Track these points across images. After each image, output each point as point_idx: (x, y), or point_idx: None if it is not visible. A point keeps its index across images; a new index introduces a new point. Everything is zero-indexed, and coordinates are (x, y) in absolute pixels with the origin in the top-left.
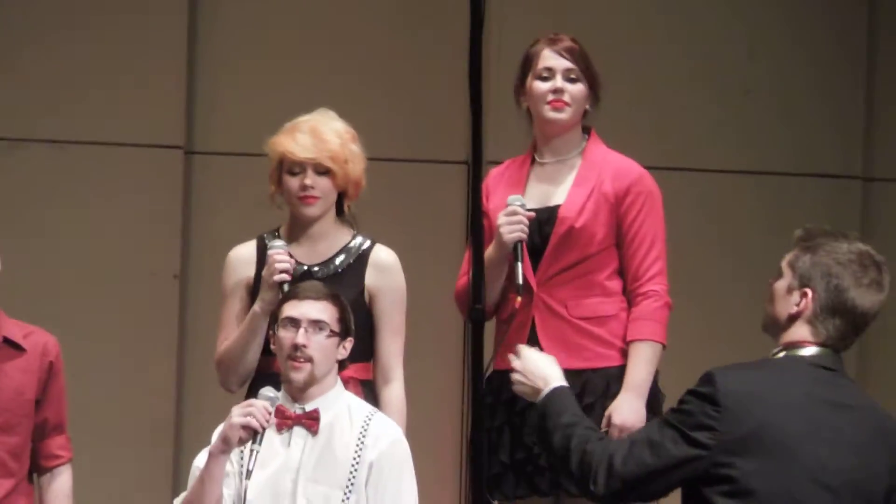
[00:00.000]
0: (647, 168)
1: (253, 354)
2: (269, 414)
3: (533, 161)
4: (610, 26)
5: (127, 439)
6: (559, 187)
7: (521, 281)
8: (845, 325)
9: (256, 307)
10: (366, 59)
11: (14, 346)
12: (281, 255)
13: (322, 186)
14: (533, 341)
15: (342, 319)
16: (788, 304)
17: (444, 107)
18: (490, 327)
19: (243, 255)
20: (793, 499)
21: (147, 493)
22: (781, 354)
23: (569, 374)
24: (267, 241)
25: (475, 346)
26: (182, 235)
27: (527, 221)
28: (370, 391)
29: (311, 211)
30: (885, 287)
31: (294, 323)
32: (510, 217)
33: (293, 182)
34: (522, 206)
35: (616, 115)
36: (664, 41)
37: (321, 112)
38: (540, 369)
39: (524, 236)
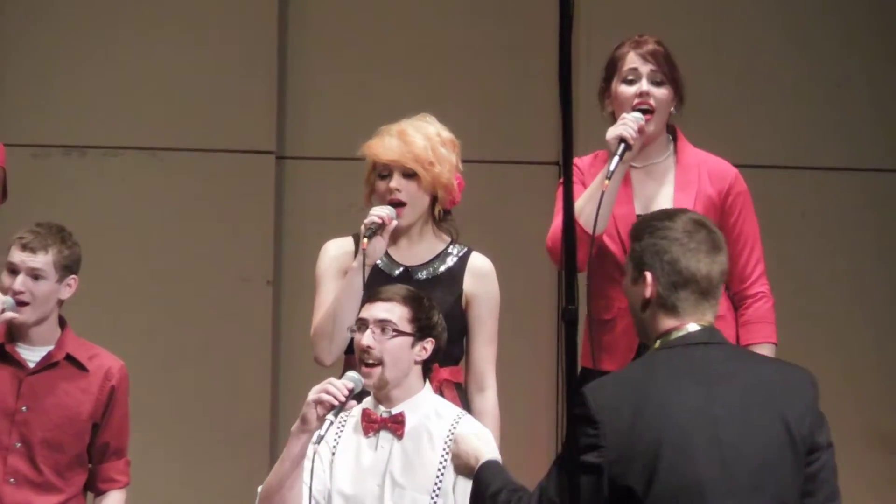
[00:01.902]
0: (742, 167)
1: (346, 314)
2: (350, 391)
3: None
4: (700, 24)
5: (222, 446)
6: (660, 192)
7: (612, 167)
8: (692, 293)
9: (354, 262)
10: (455, 61)
11: (77, 366)
12: (382, 208)
13: (409, 190)
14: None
15: (415, 320)
16: (638, 294)
17: (534, 108)
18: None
19: (340, 245)
20: (692, 491)
21: (242, 499)
22: (656, 347)
23: None
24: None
25: (569, 348)
26: (275, 241)
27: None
28: (464, 394)
29: (402, 219)
30: (718, 246)
31: (363, 324)
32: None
33: (382, 185)
34: None
35: (710, 114)
36: (755, 38)
37: (420, 117)
38: (473, 448)
39: (627, 134)
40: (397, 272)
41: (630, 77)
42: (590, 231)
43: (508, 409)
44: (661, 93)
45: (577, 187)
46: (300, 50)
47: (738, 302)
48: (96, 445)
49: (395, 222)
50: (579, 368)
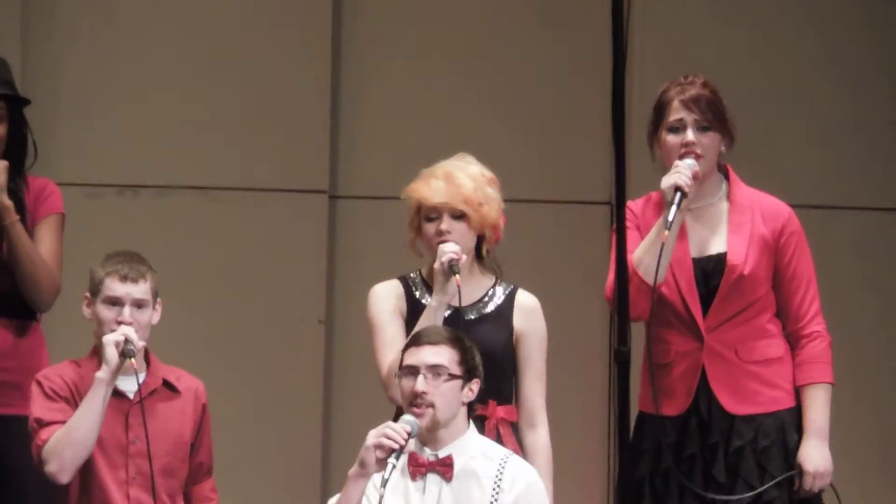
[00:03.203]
0: (796, 206)
1: None
2: (409, 435)
3: None
4: (753, 62)
5: (274, 485)
6: (714, 233)
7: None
8: None
9: (433, 301)
10: (507, 101)
11: (171, 389)
12: (449, 245)
13: (459, 231)
14: (703, 388)
15: (464, 361)
16: None
17: (587, 147)
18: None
19: (389, 287)
20: None
21: None
22: None
23: (742, 419)
24: (410, 282)
25: (621, 389)
26: (327, 280)
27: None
28: (516, 433)
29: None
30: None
31: (413, 370)
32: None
33: (430, 228)
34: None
35: (763, 154)
36: (808, 76)
37: (459, 157)
38: None
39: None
40: (447, 313)
41: (675, 126)
42: (650, 282)
43: (560, 448)
44: (707, 139)
45: (631, 232)
46: (353, 89)
47: (793, 342)
48: (192, 466)
49: (464, 257)
50: (637, 412)
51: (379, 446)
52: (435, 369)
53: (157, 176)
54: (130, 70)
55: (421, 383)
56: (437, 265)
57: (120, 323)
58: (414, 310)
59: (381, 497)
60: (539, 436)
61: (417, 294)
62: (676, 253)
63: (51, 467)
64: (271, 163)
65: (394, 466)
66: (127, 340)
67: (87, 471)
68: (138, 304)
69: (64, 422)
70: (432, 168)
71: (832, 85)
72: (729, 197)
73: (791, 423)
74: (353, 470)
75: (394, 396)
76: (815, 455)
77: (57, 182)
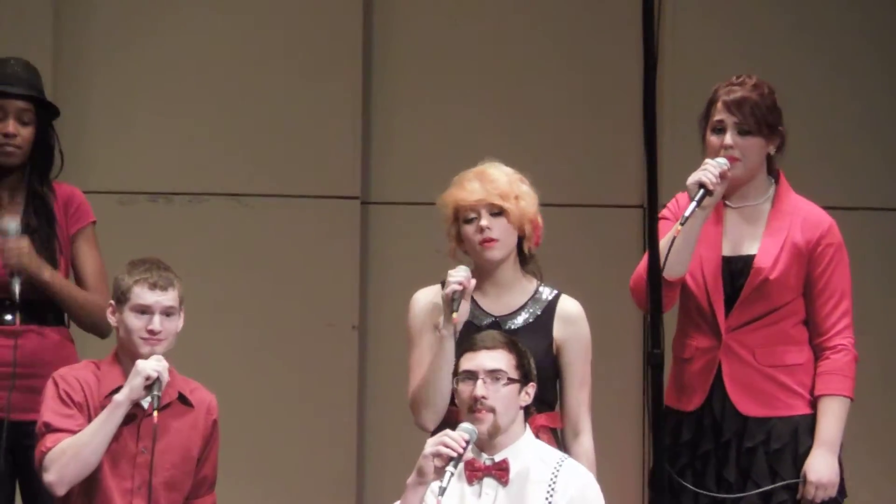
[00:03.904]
0: (829, 208)
1: (444, 381)
2: (466, 443)
3: (724, 204)
4: (786, 61)
5: (308, 493)
6: (751, 235)
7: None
8: None
9: (444, 330)
10: (538, 105)
11: (185, 403)
12: (458, 272)
13: (499, 227)
14: (718, 386)
15: (520, 366)
16: None
17: (619, 150)
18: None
19: (430, 294)
20: None
21: None
22: None
23: (755, 421)
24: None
25: (655, 390)
26: (360, 286)
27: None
28: (560, 440)
29: (493, 254)
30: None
31: (471, 375)
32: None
33: (470, 229)
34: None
35: (796, 154)
36: (838, 76)
37: (487, 162)
38: None
39: (706, 180)
40: (486, 322)
41: (718, 127)
42: (667, 276)
43: (597, 449)
44: (747, 142)
45: (671, 224)
46: (385, 96)
47: (818, 353)
48: (196, 480)
49: (473, 282)
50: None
51: (437, 455)
52: (494, 374)
53: (189, 183)
54: (163, 78)
55: (480, 388)
56: (442, 293)
57: (150, 332)
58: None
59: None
60: (582, 444)
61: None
62: (708, 251)
63: (49, 477)
64: (304, 169)
65: (452, 475)
66: (159, 379)
67: (91, 476)
68: (167, 313)
69: (72, 431)
70: (463, 173)
71: (866, 84)
72: (774, 201)
73: (805, 429)
74: (412, 479)
75: (419, 423)
76: (821, 465)
77: (89, 190)
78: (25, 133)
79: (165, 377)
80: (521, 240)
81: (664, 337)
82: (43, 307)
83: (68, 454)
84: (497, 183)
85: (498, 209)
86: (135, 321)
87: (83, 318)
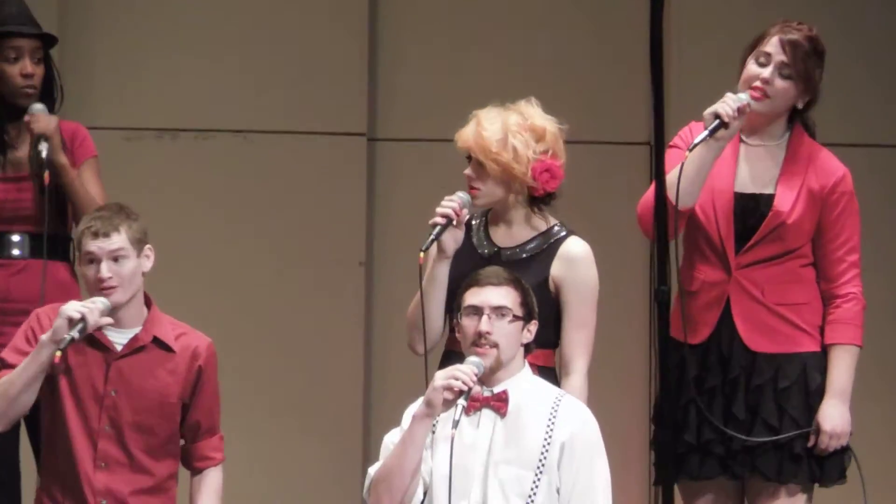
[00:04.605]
0: (831, 146)
1: (430, 304)
2: (476, 376)
3: (741, 139)
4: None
5: (316, 427)
6: (765, 175)
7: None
8: None
9: (433, 255)
10: (545, 42)
11: (164, 347)
12: (450, 200)
13: (481, 177)
14: (726, 320)
15: (524, 303)
16: None
17: (625, 87)
18: None
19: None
20: None
21: (336, 480)
22: None
23: (763, 357)
24: (472, 226)
25: (661, 327)
26: (367, 222)
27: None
28: (552, 379)
29: (477, 202)
30: None
31: (476, 310)
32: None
33: (466, 170)
34: None
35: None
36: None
37: (526, 101)
38: None
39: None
40: (488, 252)
41: (762, 59)
42: (677, 204)
43: (602, 386)
44: (783, 85)
45: (682, 153)
46: (391, 32)
47: (827, 300)
48: (187, 425)
49: (465, 211)
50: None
51: (448, 388)
52: (499, 310)
53: (195, 119)
54: (169, 15)
55: (485, 323)
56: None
57: (99, 280)
58: (461, 248)
59: (453, 438)
60: (571, 383)
61: (475, 241)
62: (720, 183)
63: None
64: (310, 106)
65: (463, 407)
66: (82, 319)
67: (56, 416)
68: (114, 258)
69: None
70: (475, 111)
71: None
72: (789, 145)
73: (813, 366)
74: (419, 410)
75: (409, 344)
76: (834, 415)
77: (96, 126)
78: (39, 72)
79: (93, 319)
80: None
81: (671, 273)
82: (53, 241)
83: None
84: (485, 135)
85: (480, 161)
86: (86, 271)
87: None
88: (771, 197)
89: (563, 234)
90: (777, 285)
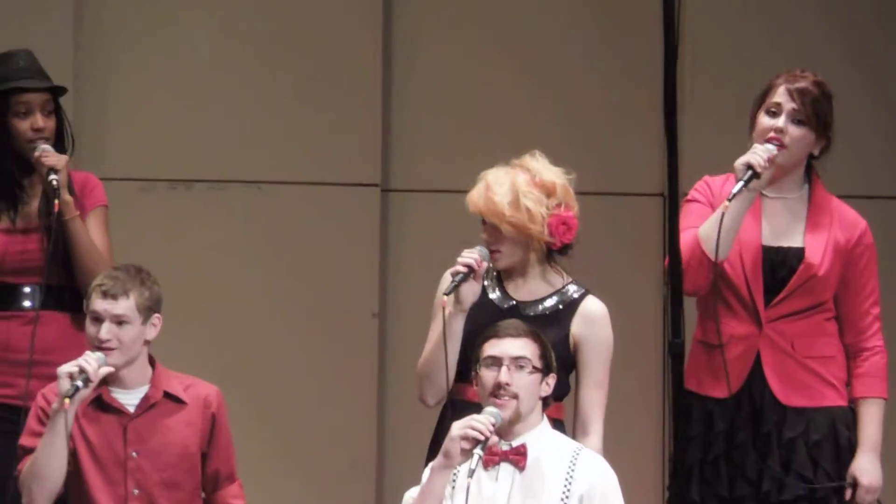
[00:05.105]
0: (845, 197)
1: (442, 357)
2: (493, 426)
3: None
4: (807, 48)
5: (328, 481)
6: (789, 228)
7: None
8: None
9: (449, 308)
10: (559, 94)
11: (175, 400)
12: (470, 252)
13: (497, 238)
14: (756, 374)
15: (543, 356)
16: None
17: (639, 139)
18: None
19: None
20: None
21: None
22: None
23: (793, 411)
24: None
25: (675, 380)
26: (380, 273)
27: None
28: (562, 431)
29: (497, 264)
30: None
31: (496, 361)
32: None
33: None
34: None
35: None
36: (857, 63)
37: (530, 156)
38: None
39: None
40: (507, 306)
41: (773, 110)
42: (712, 256)
43: (615, 440)
44: (798, 132)
45: (700, 206)
46: (405, 83)
47: (853, 353)
48: (207, 475)
49: (485, 264)
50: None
51: (465, 437)
52: (518, 361)
53: (209, 170)
54: (182, 66)
55: (505, 374)
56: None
57: (99, 340)
58: (479, 302)
59: (468, 487)
60: (589, 443)
61: (490, 295)
62: (747, 236)
63: (24, 500)
64: (323, 157)
65: (480, 457)
66: (81, 371)
67: (80, 489)
68: (118, 321)
69: None
70: (487, 171)
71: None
72: (810, 198)
73: (841, 421)
74: (437, 461)
75: (420, 396)
76: (870, 469)
77: (109, 177)
78: (50, 124)
79: (91, 369)
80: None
81: (685, 326)
82: (61, 292)
83: (28, 475)
84: (496, 199)
85: (495, 224)
86: (90, 328)
87: (86, 263)
88: (800, 250)
89: (582, 292)
90: (805, 338)
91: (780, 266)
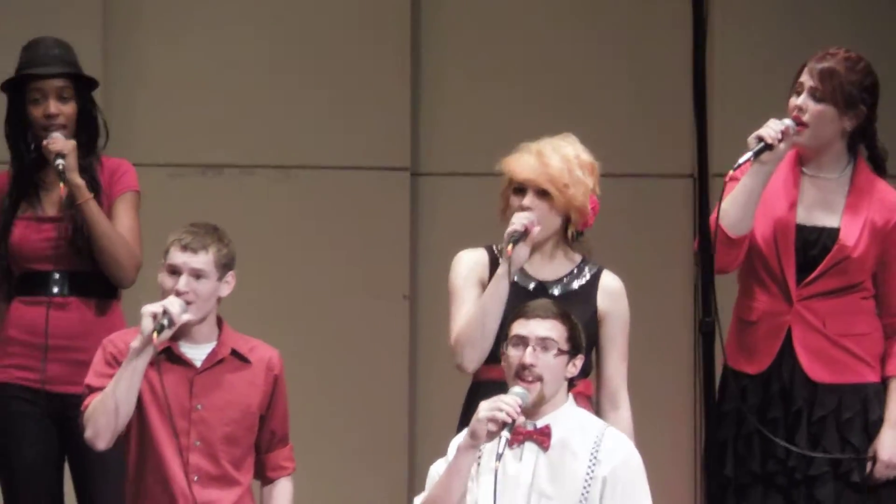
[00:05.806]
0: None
1: (492, 321)
2: (520, 407)
3: (801, 171)
4: (837, 30)
5: (361, 459)
6: (829, 208)
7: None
8: None
9: (500, 269)
10: (587, 75)
11: (241, 359)
12: (522, 215)
13: (540, 209)
14: (787, 350)
15: (571, 338)
16: None
17: (668, 119)
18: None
19: (475, 255)
20: None
21: None
22: None
23: (825, 387)
24: (497, 252)
25: (706, 359)
26: (410, 257)
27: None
28: (594, 407)
29: (535, 233)
30: None
31: (523, 341)
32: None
33: (515, 201)
34: None
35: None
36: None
37: (562, 136)
38: None
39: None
40: (532, 286)
41: (798, 90)
42: (731, 234)
43: (647, 420)
44: (817, 108)
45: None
46: (434, 67)
47: (890, 332)
48: (263, 435)
49: (537, 229)
50: (721, 369)
51: (492, 419)
52: (544, 342)
53: (239, 156)
54: (212, 50)
55: (530, 355)
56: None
57: (177, 292)
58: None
59: (497, 471)
60: (621, 416)
61: (502, 262)
62: (782, 213)
63: (87, 433)
64: (353, 141)
65: (507, 439)
66: (165, 312)
67: (144, 436)
68: (196, 275)
69: None
70: (530, 143)
71: None
72: (852, 178)
73: (874, 397)
74: (464, 441)
75: (459, 363)
76: (891, 445)
77: (140, 163)
78: (67, 110)
79: (176, 310)
80: (567, 220)
81: (717, 305)
82: (88, 279)
83: (98, 408)
84: (550, 167)
85: (544, 191)
86: (166, 280)
87: (104, 248)
88: (835, 230)
89: (598, 268)
90: (838, 316)
91: (812, 245)
